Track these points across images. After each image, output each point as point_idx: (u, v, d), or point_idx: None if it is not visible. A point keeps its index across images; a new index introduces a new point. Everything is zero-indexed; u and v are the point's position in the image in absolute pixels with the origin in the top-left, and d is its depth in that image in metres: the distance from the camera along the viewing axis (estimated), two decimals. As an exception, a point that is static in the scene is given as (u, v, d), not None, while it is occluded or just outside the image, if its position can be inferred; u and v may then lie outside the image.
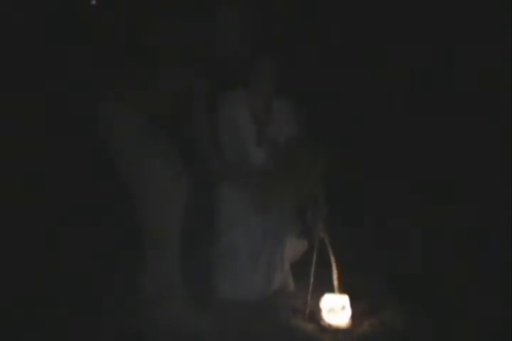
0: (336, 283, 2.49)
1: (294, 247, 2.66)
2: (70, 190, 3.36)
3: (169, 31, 2.40)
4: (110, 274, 2.75)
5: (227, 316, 2.48)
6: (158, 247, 2.47)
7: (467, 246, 2.92)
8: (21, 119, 3.41)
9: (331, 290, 2.50)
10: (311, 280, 2.48)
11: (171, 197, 2.40)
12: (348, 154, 3.14)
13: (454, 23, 3.37)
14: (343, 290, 2.50)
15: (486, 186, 3.18)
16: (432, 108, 3.43)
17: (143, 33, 2.49)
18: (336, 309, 2.44)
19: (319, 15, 3.39)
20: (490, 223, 2.97)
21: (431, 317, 2.44)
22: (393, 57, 3.41)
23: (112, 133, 2.37)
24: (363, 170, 3.25)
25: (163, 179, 2.36)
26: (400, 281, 2.69)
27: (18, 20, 3.57)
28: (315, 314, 2.49)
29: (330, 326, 2.43)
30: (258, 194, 2.53)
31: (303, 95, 2.82)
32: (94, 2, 3.70)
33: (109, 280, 2.72)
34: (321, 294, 2.50)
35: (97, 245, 2.98)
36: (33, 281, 2.71)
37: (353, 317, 2.44)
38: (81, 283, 2.68)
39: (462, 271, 2.75)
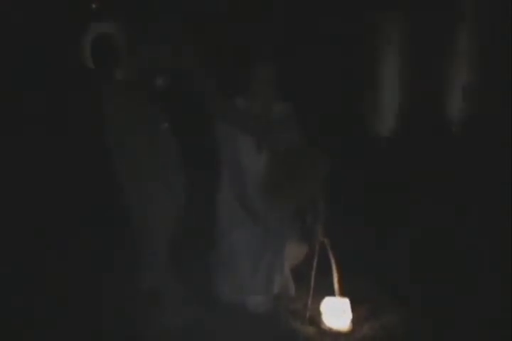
0: (336, 286, 2.49)
1: (294, 251, 2.66)
2: (70, 190, 3.35)
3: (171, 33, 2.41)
4: (110, 274, 2.74)
5: (228, 319, 2.47)
6: (158, 248, 2.46)
7: (467, 248, 2.93)
8: (21, 119, 3.39)
9: (332, 294, 2.50)
10: (312, 283, 2.48)
11: (170, 198, 2.40)
12: (349, 157, 3.14)
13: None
14: (343, 293, 2.50)
15: (486, 186, 3.19)
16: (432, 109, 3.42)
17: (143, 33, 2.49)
18: (336, 312, 2.44)
19: (318, 15, 3.37)
20: (491, 223, 2.98)
21: (431, 320, 2.44)
22: (395, 58, 3.40)
23: (111, 133, 2.37)
24: (363, 173, 3.26)
25: (162, 181, 2.37)
26: (400, 285, 2.70)
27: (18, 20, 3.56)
28: (315, 317, 2.49)
29: (330, 329, 2.43)
30: (258, 197, 2.54)
31: (303, 99, 2.83)
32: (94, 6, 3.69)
33: (109, 280, 2.70)
34: (322, 297, 2.50)
35: (97, 245, 2.97)
36: (33, 281, 2.71)
37: (354, 320, 2.45)
38: (81, 283, 2.67)
39: (462, 273, 2.75)
